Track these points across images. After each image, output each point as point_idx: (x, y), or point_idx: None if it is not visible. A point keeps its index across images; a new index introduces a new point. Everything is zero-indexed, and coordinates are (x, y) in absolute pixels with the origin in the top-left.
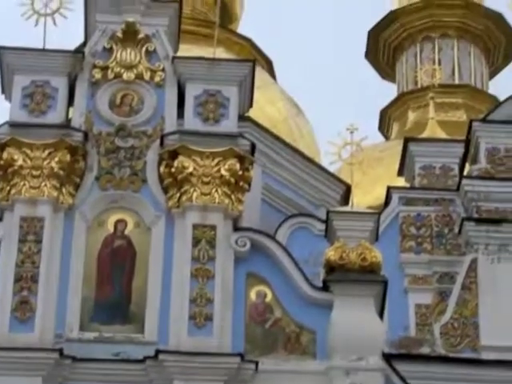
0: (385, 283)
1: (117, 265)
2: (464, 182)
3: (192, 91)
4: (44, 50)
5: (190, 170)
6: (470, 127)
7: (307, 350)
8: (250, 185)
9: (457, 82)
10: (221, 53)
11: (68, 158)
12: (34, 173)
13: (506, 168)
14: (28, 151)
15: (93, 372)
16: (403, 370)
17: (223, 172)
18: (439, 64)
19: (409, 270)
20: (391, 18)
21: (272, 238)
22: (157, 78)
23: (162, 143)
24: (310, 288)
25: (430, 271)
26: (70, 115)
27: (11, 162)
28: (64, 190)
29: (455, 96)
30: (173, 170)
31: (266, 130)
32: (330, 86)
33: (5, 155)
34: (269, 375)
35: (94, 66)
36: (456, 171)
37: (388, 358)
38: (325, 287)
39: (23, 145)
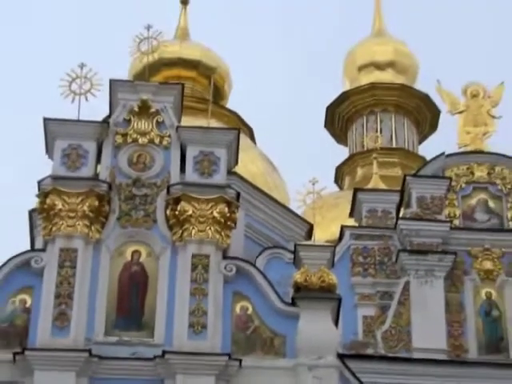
0: (339, 300)
1: (133, 285)
2: (400, 222)
3: (191, 152)
4: (78, 120)
5: (190, 212)
6: (404, 180)
7: (279, 351)
8: (235, 224)
9: (394, 145)
10: (213, 123)
11: (96, 203)
12: (70, 214)
13: (431, 211)
14: (66, 198)
15: (114, 367)
16: (353, 366)
17: (215, 214)
18: (381, 132)
19: (358, 290)
20: (344, 97)
21: (253, 264)
22: (164, 142)
23: (168, 192)
24: (282, 303)
25: (373, 291)
26: (98, 170)
27: (53, 206)
28: (93, 227)
29: (393, 156)
30: (176, 212)
31: (248, 183)
32: (298, 148)
33: (48, 201)
34: (250, 370)
35: (117, 133)
36: (393, 214)
37: (341, 357)
38: (293, 303)
39: (62, 193)
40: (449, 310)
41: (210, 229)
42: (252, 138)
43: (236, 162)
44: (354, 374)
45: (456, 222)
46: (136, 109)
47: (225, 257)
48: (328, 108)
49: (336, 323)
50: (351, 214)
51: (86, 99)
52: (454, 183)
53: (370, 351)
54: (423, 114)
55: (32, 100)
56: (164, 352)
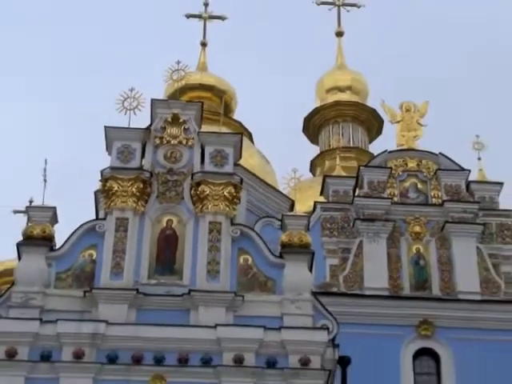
0: (312, 254)
1: (167, 243)
2: (355, 199)
3: (208, 150)
4: (129, 128)
5: (207, 192)
6: (358, 170)
7: (271, 290)
8: (239, 200)
9: (351, 145)
10: (223, 129)
11: (141, 185)
12: (123, 194)
13: (377, 191)
14: (120, 182)
15: (154, 301)
16: (323, 300)
17: (225, 193)
18: (342, 136)
19: (326, 246)
20: (316, 111)
21: (252, 229)
22: (189, 143)
23: (192, 178)
24: (273, 256)
25: (337, 247)
26: (143, 163)
27: (111, 188)
28: (139, 203)
29: (350, 153)
30: (198, 192)
31: (248, 171)
32: (284, 147)
33: (107, 184)
34: (250, 303)
35: (156, 137)
36: (351, 193)
37: (314, 294)
38: (280, 256)
39: (117, 179)
40: (390, 260)
41: (222, 204)
42: (251, 139)
43: (240, 157)
44: (323, 305)
45: (395, 199)
46: (169, 119)
47: (232, 223)
48: (305, 119)
49: (310, 270)
50: (321, 194)
51: (135, 113)
52: (393, 171)
53: (334, 289)
54: (372, 123)
55: (94, 114)
56: (190, 290)
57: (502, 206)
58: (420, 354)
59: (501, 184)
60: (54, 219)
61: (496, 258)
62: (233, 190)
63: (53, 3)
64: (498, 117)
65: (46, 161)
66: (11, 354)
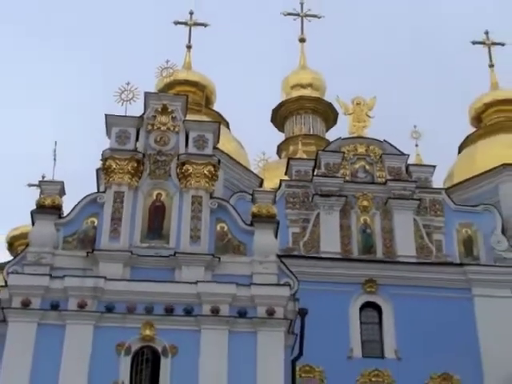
0: (278, 223)
1: (157, 213)
2: (314, 178)
3: (192, 135)
4: (125, 116)
5: (191, 171)
6: (317, 154)
7: (243, 253)
8: (217, 178)
9: (311, 133)
10: (205, 118)
11: (135, 164)
12: (120, 171)
13: (332, 171)
14: (117, 161)
15: (146, 261)
16: (286, 262)
17: (205, 172)
18: (303, 125)
19: (289, 217)
20: (282, 104)
21: (228, 202)
22: (176, 129)
23: (178, 158)
24: (245, 225)
25: (298, 218)
26: (137, 146)
27: (110, 166)
28: (133, 179)
29: (310, 139)
30: (183, 171)
31: (225, 154)
32: (255, 134)
33: (107, 163)
34: (225, 264)
35: (148, 124)
36: (310, 173)
37: (279, 256)
38: (251, 224)
39: (115, 158)
40: (342, 229)
41: (202, 181)
42: (228, 127)
43: (218, 142)
44: (286, 266)
45: (347, 178)
46: (159, 109)
47: (211, 197)
48: (273, 110)
49: (276, 236)
50: (286, 173)
51: (130, 103)
52: (345, 155)
53: (295, 253)
54: (329, 114)
55: (96, 104)
56: (175, 252)
57: (434, 185)
58: (365, 306)
59: (434, 167)
60: (62, 192)
61: (429, 228)
62: (212, 169)
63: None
64: (432, 110)
65: (55, 143)
66: (26, 304)
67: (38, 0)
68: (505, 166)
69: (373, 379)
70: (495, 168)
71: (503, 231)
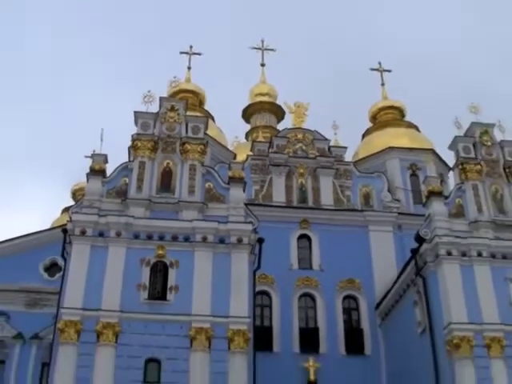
0: (245, 182)
1: (167, 175)
2: (270, 154)
3: (190, 125)
4: (147, 112)
5: (189, 148)
6: (271, 138)
7: (222, 201)
8: (207, 153)
9: (268, 125)
10: (198, 114)
11: (153, 144)
12: (143, 148)
13: (280, 150)
14: (141, 142)
15: (159, 206)
16: (250, 208)
17: (199, 149)
18: (263, 119)
19: (253, 179)
20: (249, 105)
21: (213, 168)
22: (180, 121)
23: (181, 140)
24: (224, 184)
25: (259, 180)
26: (155, 130)
27: (136, 145)
28: (151, 154)
29: (267, 129)
30: (184, 148)
31: (211, 137)
32: (232, 126)
33: (135, 143)
34: (211, 209)
35: (161, 117)
36: (267, 151)
37: (246, 204)
38: (228, 183)
39: (140, 140)
40: (286, 187)
41: (197, 155)
42: (213, 120)
43: (207, 129)
44: (250, 210)
45: (290, 154)
46: (169, 108)
47: (202, 165)
48: (243, 110)
49: (244, 191)
50: (251, 150)
51: (151, 104)
52: (289, 139)
53: (256, 202)
54: (279, 113)
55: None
56: (179, 201)
57: (346, 160)
58: (300, 237)
59: (345, 148)
60: (106, 161)
61: (342, 187)
62: (203, 147)
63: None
64: (347, 111)
65: (102, 129)
66: (83, 232)
67: None
68: (390, 148)
69: (305, 283)
70: (384, 149)
71: (389, 190)
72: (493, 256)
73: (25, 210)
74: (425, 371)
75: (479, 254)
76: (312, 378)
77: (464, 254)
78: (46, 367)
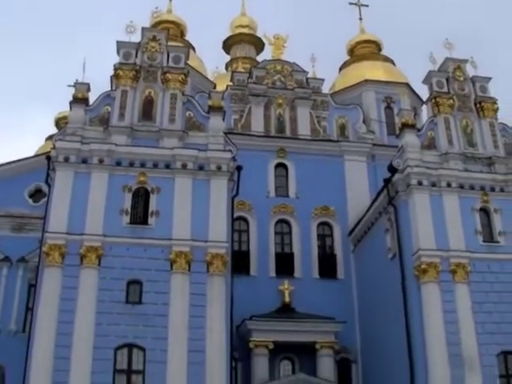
0: (224, 112)
1: (148, 103)
2: (249, 85)
3: (171, 55)
4: (129, 42)
5: (170, 77)
6: (250, 69)
7: (202, 130)
8: (187, 82)
9: (247, 56)
10: (179, 44)
11: (135, 73)
12: (125, 77)
13: (257, 81)
14: (124, 71)
15: (141, 134)
16: (230, 137)
17: (179, 79)
18: (243, 50)
19: (232, 108)
20: (230, 37)
21: (193, 98)
22: (161, 51)
23: (162, 69)
24: (204, 113)
25: (238, 109)
26: (136, 61)
27: (119, 74)
28: (133, 82)
29: (247, 60)
30: (165, 77)
31: (192, 67)
32: (212, 55)
33: (117, 72)
34: (191, 137)
35: (143, 47)
36: (246, 81)
37: (225, 133)
38: (208, 112)
39: (122, 69)
40: (265, 117)
41: (177, 84)
42: (194, 51)
43: (188, 59)
44: (229, 139)
45: (269, 85)
46: (151, 37)
47: (183, 95)
48: (223, 41)
49: (223, 120)
50: (231, 80)
51: (133, 34)
52: (269, 71)
53: (235, 131)
54: (259, 45)
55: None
56: (160, 129)
57: (323, 91)
58: (278, 166)
59: (323, 80)
60: (88, 89)
61: (319, 118)
62: (184, 77)
63: None
64: (326, 44)
65: (84, 59)
66: (66, 159)
67: None
68: (366, 80)
69: (281, 210)
70: (360, 82)
71: (364, 121)
72: (461, 187)
73: (10, 138)
74: (394, 294)
75: (448, 185)
76: (287, 300)
77: (434, 185)
78: (32, 288)
